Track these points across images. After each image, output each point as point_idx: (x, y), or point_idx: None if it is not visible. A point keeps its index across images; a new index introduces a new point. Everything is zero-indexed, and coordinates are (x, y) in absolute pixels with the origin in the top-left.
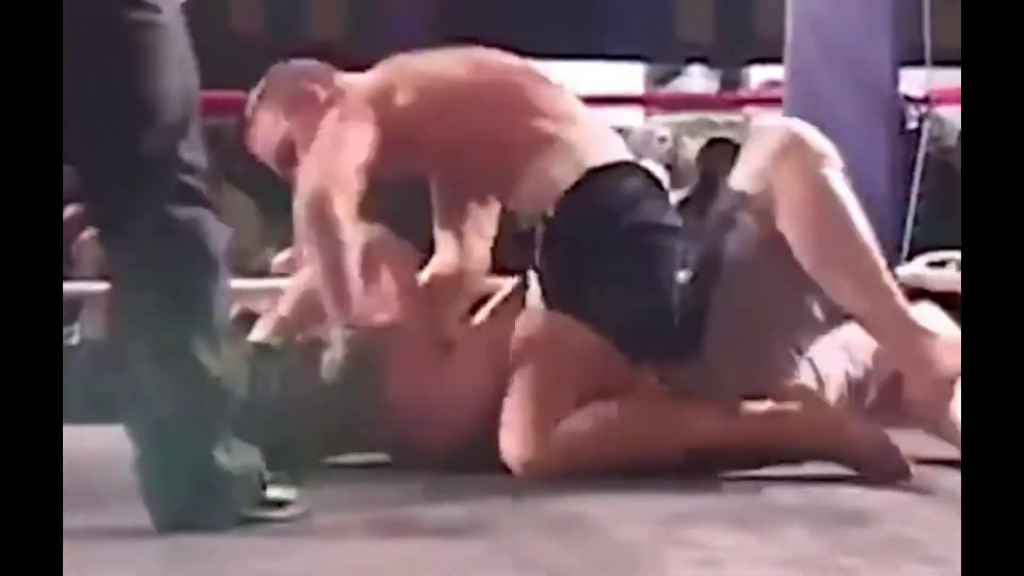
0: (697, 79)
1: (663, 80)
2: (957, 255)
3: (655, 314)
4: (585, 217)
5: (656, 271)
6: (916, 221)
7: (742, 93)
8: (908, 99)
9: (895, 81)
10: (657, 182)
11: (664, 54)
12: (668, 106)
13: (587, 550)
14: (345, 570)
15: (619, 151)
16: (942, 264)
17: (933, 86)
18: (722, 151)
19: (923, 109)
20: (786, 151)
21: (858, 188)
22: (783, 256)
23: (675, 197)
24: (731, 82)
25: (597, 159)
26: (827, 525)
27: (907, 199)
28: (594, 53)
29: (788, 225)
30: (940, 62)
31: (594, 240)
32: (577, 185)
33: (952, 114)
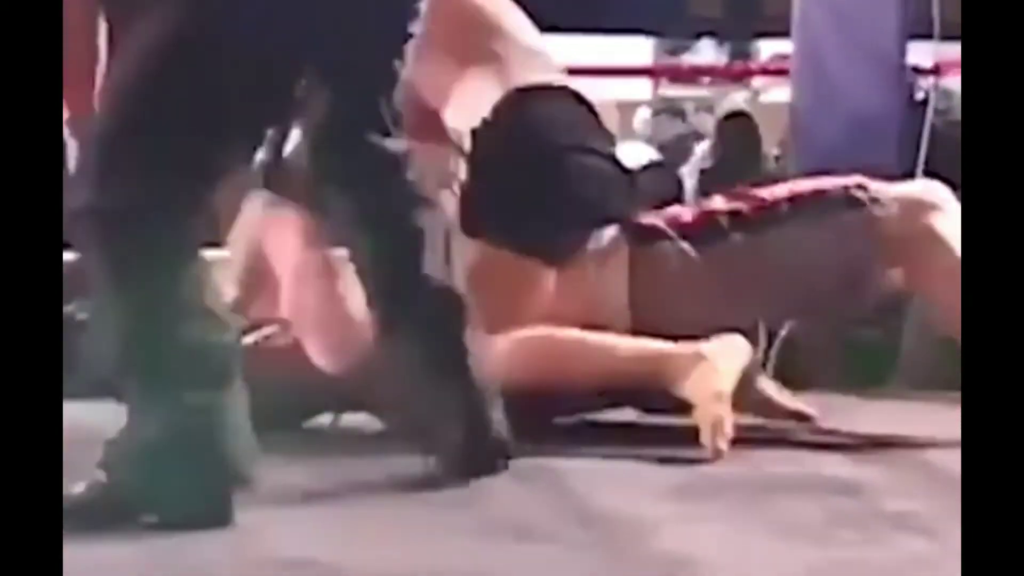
0: (706, 52)
1: (673, 52)
2: None
3: (579, 230)
4: (507, 138)
5: (582, 191)
6: None
7: (751, 65)
8: (916, 70)
9: (903, 53)
10: (590, 107)
11: (674, 28)
12: (676, 77)
13: (580, 521)
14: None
15: (550, 73)
16: None
17: (941, 58)
18: (741, 124)
19: (931, 80)
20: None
21: (866, 159)
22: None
23: (698, 167)
24: (740, 55)
25: (527, 79)
26: (820, 496)
27: (914, 170)
28: (604, 27)
29: (932, 293)
30: (948, 36)
31: (516, 161)
32: (502, 104)
33: (960, 87)
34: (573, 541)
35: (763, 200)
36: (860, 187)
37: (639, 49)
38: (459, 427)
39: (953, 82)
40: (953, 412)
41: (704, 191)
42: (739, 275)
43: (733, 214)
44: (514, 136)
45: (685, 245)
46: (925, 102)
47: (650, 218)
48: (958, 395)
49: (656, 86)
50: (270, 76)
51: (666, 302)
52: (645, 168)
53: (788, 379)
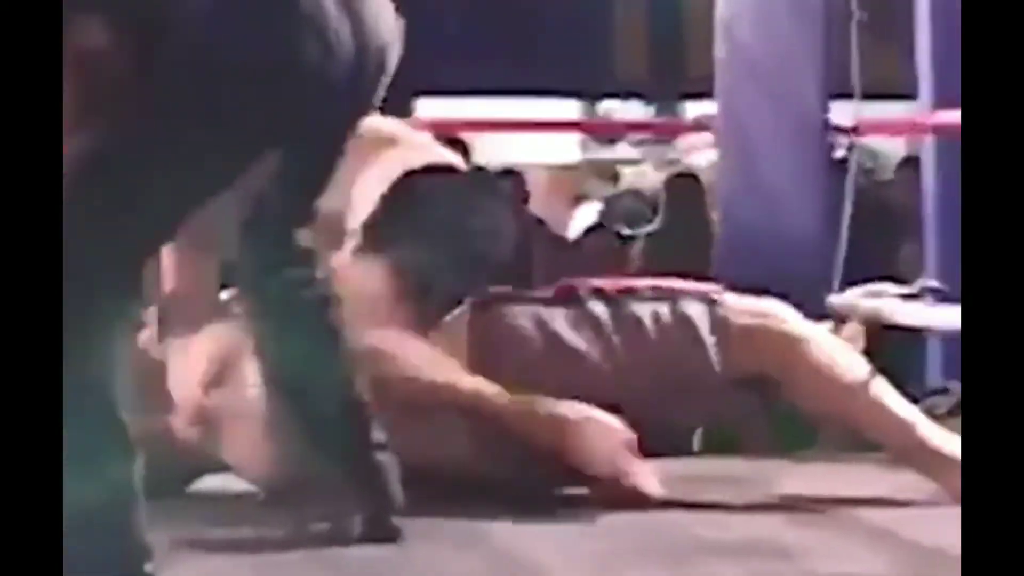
0: (635, 113)
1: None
2: (890, 287)
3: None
4: (407, 206)
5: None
6: (846, 252)
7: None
8: (836, 129)
9: (824, 111)
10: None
11: (600, 89)
12: (605, 132)
13: None
14: None
15: (443, 157)
16: (878, 296)
17: (861, 118)
18: (686, 184)
19: (851, 138)
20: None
21: (789, 221)
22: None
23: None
24: (667, 116)
25: (417, 163)
26: (747, 559)
27: (837, 230)
28: (531, 88)
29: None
30: (869, 95)
31: (414, 220)
32: (398, 183)
33: (888, 147)
34: None
35: (626, 286)
36: (716, 292)
37: (567, 111)
38: (361, 501)
39: (875, 141)
40: (878, 472)
41: (650, 255)
42: (592, 344)
43: (596, 291)
44: (407, 208)
45: (541, 308)
46: (845, 160)
47: (502, 291)
48: (882, 456)
49: (584, 150)
50: (227, 161)
51: (508, 366)
52: (589, 231)
53: (716, 446)
